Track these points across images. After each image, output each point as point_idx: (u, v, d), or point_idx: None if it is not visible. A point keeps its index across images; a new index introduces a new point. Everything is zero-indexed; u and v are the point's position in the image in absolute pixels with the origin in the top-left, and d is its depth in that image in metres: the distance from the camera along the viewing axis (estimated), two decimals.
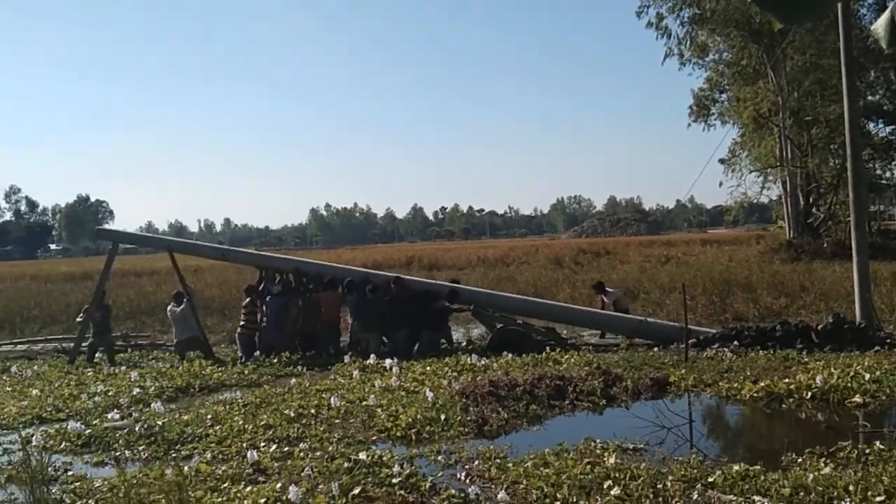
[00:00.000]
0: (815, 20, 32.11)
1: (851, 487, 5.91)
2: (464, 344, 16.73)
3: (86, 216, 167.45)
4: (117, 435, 9.46)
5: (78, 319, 18.08)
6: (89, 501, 6.92)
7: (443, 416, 9.41)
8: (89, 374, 14.82)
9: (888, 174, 46.83)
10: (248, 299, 17.05)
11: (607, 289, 18.53)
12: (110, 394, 12.32)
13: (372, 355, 14.25)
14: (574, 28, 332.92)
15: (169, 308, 17.23)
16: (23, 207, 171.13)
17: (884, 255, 29.41)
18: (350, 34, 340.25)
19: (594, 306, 18.35)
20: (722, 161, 44.60)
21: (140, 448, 8.96)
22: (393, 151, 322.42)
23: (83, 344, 17.32)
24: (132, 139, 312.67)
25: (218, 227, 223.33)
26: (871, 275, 16.37)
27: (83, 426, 9.92)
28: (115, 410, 11.00)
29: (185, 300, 16.95)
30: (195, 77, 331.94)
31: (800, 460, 7.12)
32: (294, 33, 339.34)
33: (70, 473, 8.11)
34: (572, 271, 31.68)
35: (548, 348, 14.36)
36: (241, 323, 16.94)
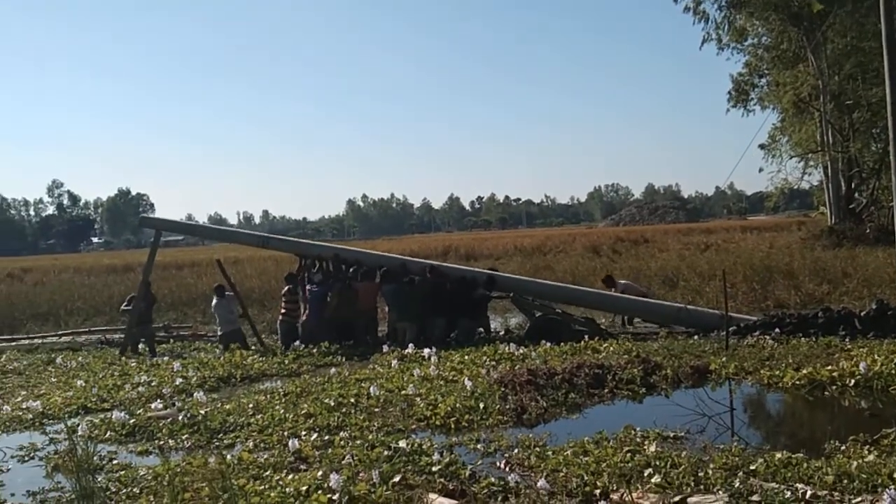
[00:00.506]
0: (844, 3, 31.64)
1: None
2: (502, 333, 16.72)
3: (127, 209, 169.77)
4: (161, 424, 9.60)
5: (123, 308, 18.31)
6: (134, 489, 7.03)
7: (481, 405, 9.43)
8: (132, 364, 15.02)
9: None
10: (287, 287, 17.11)
11: (617, 280, 18.35)
12: (153, 384, 12.49)
13: (410, 344, 14.30)
14: (612, 12, 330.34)
15: (214, 302, 17.32)
16: (65, 201, 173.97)
17: None
18: (392, 26, 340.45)
19: None
20: (762, 147, 44.10)
21: (183, 437, 9.08)
22: (429, 142, 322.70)
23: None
24: (171, 135, 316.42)
25: (257, 220, 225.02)
26: None
27: (127, 416, 10.07)
28: (159, 400, 11.14)
29: (225, 294, 17.09)
30: (235, 76, 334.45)
31: (843, 448, 7.03)
32: (328, 33, 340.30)
33: (115, 462, 8.25)
34: (610, 259, 31.56)
35: (586, 337, 14.31)
36: (282, 311, 17.05)
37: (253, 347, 16.48)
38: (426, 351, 13.43)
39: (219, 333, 17.23)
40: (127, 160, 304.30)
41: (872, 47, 31.93)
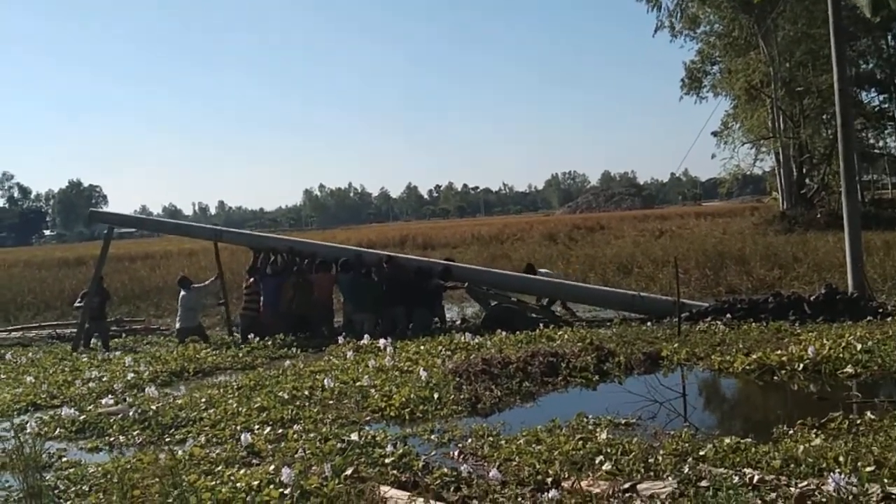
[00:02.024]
0: None
1: (842, 458, 5.92)
2: (458, 322, 16.73)
3: (79, 201, 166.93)
4: (111, 420, 9.45)
5: (76, 304, 18.03)
6: (83, 487, 6.92)
7: (436, 395, 9.43)
8: (84, 359, 14.79)
9: (881, 143, 46.84)
10: (250, 280, 16.93)
11: (538, 269, 18.45)
12: (104, 379, 12.30)
13: (366, 336, 14.26)
14: (565, 2, 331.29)
15: (182, 294, 17.03)
16: (16, 194, 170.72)
17: (877, 225, 29.48)
18: (339, 15, 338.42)
19: None
20: (714, 133, 44.63)
21: (134, 433, 8.95)
22: (386, 131, 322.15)
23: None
24: (124, 123, 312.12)
25: (212, 210, 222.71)
26: (864, 245, 16.39)
27: (77, 412, 9.90)
28: (110, 396, 10.95)
29: (191, 286, 16.92)
30: (187, 61, 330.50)
31: (791, 432, 7.14)
32: (284, 17, 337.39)
33: (64, 460, 8.11)
34: (567, 247, 31.70)
35: (542, 325, 14.37)
36: (243, 305, 16.89)
37: (227, 339, 16.32)
38: (382, 342, 13.39)
39: (177, 327, 16.95)
40: (78, 151, 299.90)
41: (822, 34, 32.40)
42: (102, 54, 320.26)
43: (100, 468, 7.39)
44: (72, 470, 7.54)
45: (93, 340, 17.22)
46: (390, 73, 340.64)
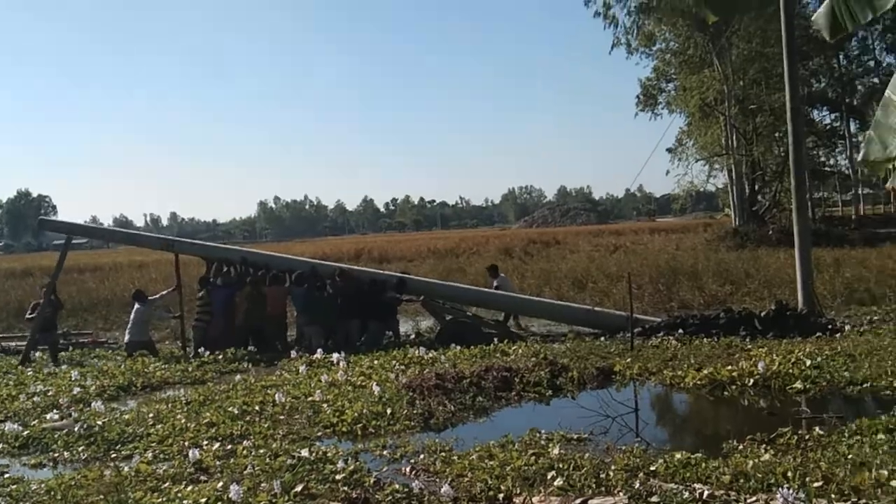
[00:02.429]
0: (743, 13, 32.53)
1: (790, 473, 5.95)
2: (412, 336, 16.66)
3: (28, 211, 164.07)
4: (56, 436, 9.23)
5: (28, 316, 17.61)
6: None
7: (389, 411, 9.35)
8: (29, 373, 14.47)
9: (832, 161, 47.73)
10: (202, 291, 16.70)
11: (499, 273, 18.75)
12: (50, 394, 12.02)
13: (319, 350, 14.13)
14: (522, 16, 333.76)
15: (135, 307, 16.72)
16: None
17: (827, 242, 29.97)
18: (297, 21, 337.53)
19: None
20: (669, 150, 45.18)
21: (79, 449, 8.73)
22: (342, 143, 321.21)
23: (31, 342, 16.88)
24: (74, 132, 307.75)
25: (164, 222, 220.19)
26: (814, 261, 16.66)
27: (21, 427, 9.67)
28: (55, 411, 10.73)
29: (146, 300, 16.65)
30: (138, 66, 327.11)
31: (741, 447, 7.18)
32: (240, 20, 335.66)
33: (7, 476, 7.88)
34: (522, 261, 31.78)
35: (496, 340, 14.36)
36: (196, 317, 16.64)
37: (179, 353, 16.06)
38: (335, 356, 13.28)
39: (126, 340, 16.63)
40: (27, 161, 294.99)
41: (775, 53, 32.97)
42: (49, 56, 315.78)
43: (43, 485, 7.19)
44: (14, 486, 7.34)
45: (38, 353, 16.86)
46: (346, 84, 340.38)
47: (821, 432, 7.39)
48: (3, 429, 9.59)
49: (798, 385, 9.70)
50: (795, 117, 15.77)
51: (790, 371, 10.09)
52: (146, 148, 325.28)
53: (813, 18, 8.17)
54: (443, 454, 7.56)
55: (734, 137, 39.56)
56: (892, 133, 6.85)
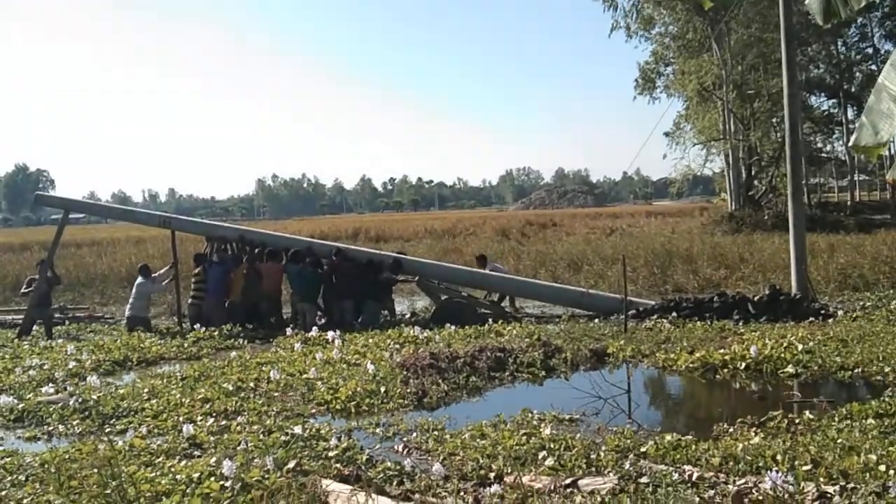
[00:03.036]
0: None
1: (779, 457, 6.00)
2: (407, 316, 16.69)
3: (26, 185, 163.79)
4: (51, 409, 9.28)
5: (24, 291, 17.61)
6: (19, 477, 6.77)
7: (383, 389, 9.41)
8: (25, 347, 14.49)
9: (828, 147, 47.70)
10: (198, 268, 16.70)
11: (490, 262, 18.54)
12: (45, 367, 12.05)
13: (314, 328, 14.17)
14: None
15: (138, 281, 16.82)
16: None
17: (822, 228, 30.06)
18: (296, 3, 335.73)
19: None
20: (667, 134, 45.14)
21: (74, 423, 8.79)
22: (341, 121, 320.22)
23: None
24: (73, 107, 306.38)
25: (162, 198, 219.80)
26: (809, 247, 16.69)
27: (16, 400, 9.72)
28: (50, 384, 10.75)
29: (150, 275, 16.80)
30: (138, 41, 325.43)
31: (731, 430, 7.24)
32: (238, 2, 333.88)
33: (1, 449, 7.93)
34: (518, 243, 31.82)
35: (490, 320, 14.41)
36: (192, 294, 16.68)
37: (175, 329, 16.12)
38: (330, 334, 13.31)
39: (127, 314, 16.73)
40: (25, 135, 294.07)
41: (774, 38, 32.84)
42: (51, 25, 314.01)
43: (37, 458, 7.23)
44: (8, 459, 7.37)
45: (34, 328, 16.89)
46: (345, 60, 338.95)
47: (811, 416, 7.47)
48: None
49: (790, 369, 9.77)
50: (793, 103, 15.78)
51: (782, 355, 10.15)
52: (145, 123, 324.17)
53: (807, 3, 8.16)
54: (435, 433, 7.63)
55: (731, 122, 39.53)
56: (884, 118, 6.85)
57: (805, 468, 5.72)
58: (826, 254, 21.02)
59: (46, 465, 6.91)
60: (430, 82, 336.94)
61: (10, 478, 6.80)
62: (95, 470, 6.31)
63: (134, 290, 16.79)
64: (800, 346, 10.43)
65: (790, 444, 6.41)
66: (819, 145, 46.69)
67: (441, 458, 6.72)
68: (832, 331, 11.82)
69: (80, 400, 9.51)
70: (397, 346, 12.35)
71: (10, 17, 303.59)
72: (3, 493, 6.42)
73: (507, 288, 17.25)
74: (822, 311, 13.78)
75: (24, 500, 6.15)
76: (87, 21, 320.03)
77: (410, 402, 9.13)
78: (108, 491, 5.91)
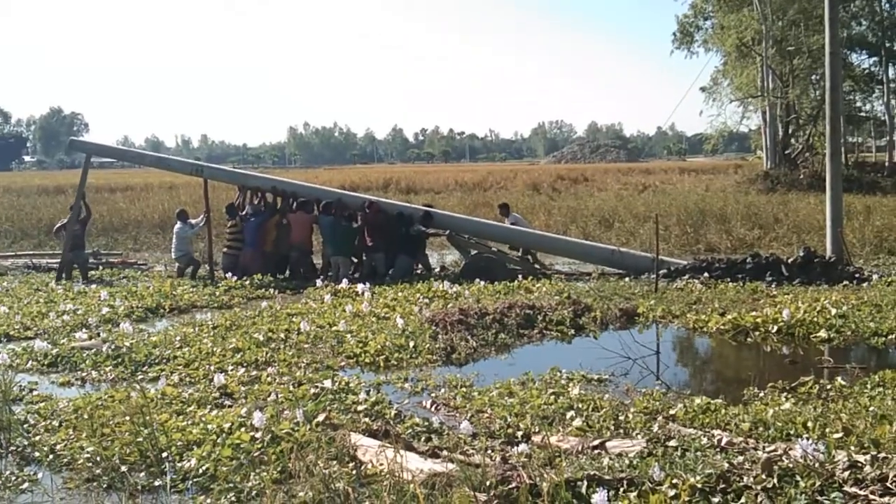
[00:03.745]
0: None
1: (810, 424, 5.94)
2: (437, 270, 16.69)
3: (60, 128, 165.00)
4: (84, 355, 9.40)
5: (56, 228, 17.77)
6: (53, 422, 6.88)
7: (412, 344, 9.44)
8: (59, 291, 14.67)
9: (867, 106, 46.78)
10: (233, 220, 16.76)
11: (512, 213, 18.48)
12: (79, 312, 12.20)
13: (344, 280, 14.21)
14: None
15: (177, 227, 17.14)
16: None
17: (859, 188, 29.59)
18: None
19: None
20: (703, 89, 44.45)
21: (107, 369, 8.91)
22: (374, 70, 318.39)
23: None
24: (107, 51, 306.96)
25: (195, 143, 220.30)
26: (845, 208, 16.44)
27: (50, 345, 9.85)
28: (84, 330, 10.92)
29: (187, 220, 17.08)
30: None
31: (761, 394, 7.19)
32: None
33: (35, 393, 8.06)
34: (549, 198, 31.60)
35: (521, 276, 14.37)
36: (226, 243, 16.78)
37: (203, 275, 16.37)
38: (360, 287, 13.35)
39: (175, 257, 17.14)
40: (61, 78, 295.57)
41: None
42: None
43: (71, 403, 7.35)
44: (42, 404, 7.50)
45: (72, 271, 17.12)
46: (382, 8, 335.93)
47: (843, 383, 7.38)
48: (33, 346, 9.77)
49: (822, 334, 9.67)
50: (834, 62, 15.45)
51: (815, 319, 10.05)
52: (179, 69, 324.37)
53: None
54: (463, 389, 7.66)
55: (770, 79, 38.82)
56: None
57: (836, 436, 5.66)
58: (862, 216, 20.70)
59: (79, 412, 7.02)
60: (463, 33, 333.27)
61: (43, 423, 6.92)
62: (128, 417, 6.40)
63: (174, 236, 17.08)
64: (833, 311, 10.30)
65: (821, 411, 6.34)
66: (858, 104, 45.78)
67: (469, 415, 6.75)
68: (866, 295, 11.67)
69: (112, 346, 9.63)
70: (426, 300, 12.37)
71: None
72: (38, 438, 6.54)
73: (538, 244, 17.17)
74: (857, 275, 13.59)
75: (58, 446, 6.27)
76: None
77: (439, 357, 9.17)
78: (140, 439, 6.01)
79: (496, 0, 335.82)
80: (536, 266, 16.54)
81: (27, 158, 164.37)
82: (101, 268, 18.14)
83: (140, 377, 8.55)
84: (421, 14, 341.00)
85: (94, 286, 15.36)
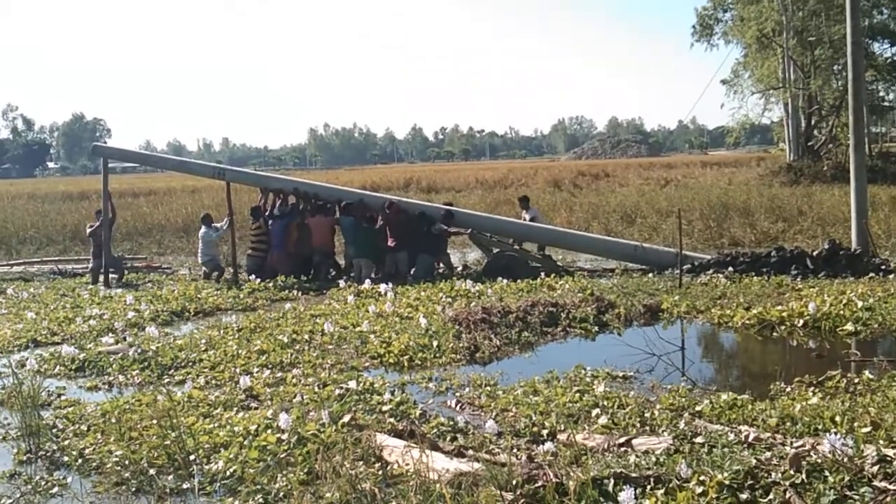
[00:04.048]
0: None
1: (838, 418, 5.90)
2: (459, 269, 16.68)
3: (83, 134, 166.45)
4: (111, 359, 9.49)
5: (93, 228, 17.96)
6: (81, 427, 6.96)
7: (435, 343, 9.44)
8: (85, 296, 14.81)
9: (891, 96, 46.28)
10: (258, 221, 16.82)
11: (530, 206, 18.58)
12: (105, 317, 12.32)
13: (367, 280, 14.24)
14: None
15: (202, 231, 17.32)
16: (20, 125, 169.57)
17: (883, 179, 29.32)
18: None
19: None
20: (724, 82, 44.12)
21: (133, 373, 8.99)
22: (392, 70, 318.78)
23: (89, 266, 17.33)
24: (129, 54, 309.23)
25: (216, 147, 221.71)
26: (870, 199, 16.29)
27: (77, 350, 9.94)
28: (110, 334, 11.01)
29: (211, 224, 17.26)
30: None
31: (788, 389, 7.14)
32: None
33: (63, 398, 8.16)
34: (571, 194, 31.51)
35: (543, 274, 14.34)
36: (250, 247, 16.88)
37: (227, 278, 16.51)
38: (383, 287, 13.37)
39: (202, 261, 17.24)
40: (83, 84, 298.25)
41: None
42: None
43: (98, 408, 7.42)
44: (70, 409, 7.59)
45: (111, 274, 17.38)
46: (398, 9, 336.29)
47: (870, 376, 7.31)
48: (60, 351, 9.88)
49: (849, 327, 9.58)
50: (856, 51, 15.28)
51: (841, 312, 9.94)
52: (199, 72, 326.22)
53: None
54: (488, 388, 7.66)
55: (791, 70, 38.50)
56: None
57: (864, 430, 5.61)
58: (887, 206, 20.52)
59: (107, 416, 7.09)
60: (480, 29, 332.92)
61: (72, 427, 7.00)
62: (155, 421, 6.46)
63: (200, 241, 17.29)
64: (859, 303, 10.19)
65: (849, 405, 6.28)
66: (881, 94, 45.31)
67: (494, 414, 6.75)
68: (893, 287, 11.53)
69: (139, 350, 9.72)
70: (449, 299, 12.37)
71: None
72: (67, 442, 6.61)
73: (559, 241, 17.13)
74: (883, 267, 13.44)
75: (86, 450, 6.33)
76: None
77: (463, 356, 9.16)
78: (168, 442, 6.05)
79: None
80: (544, 258, 16.38)
81: (51, 165, 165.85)
82: (126, 272, 18.27)
83: (166, 380, 8.63)
84: (438, 14, 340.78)
85: (119, 291, 15.48)
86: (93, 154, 25.74)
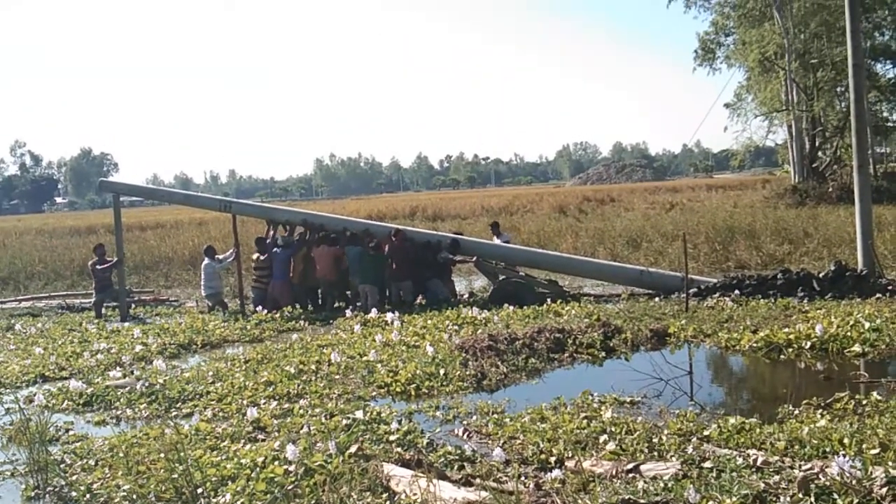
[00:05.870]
0: None
1: (846, 440, 5.88)
2: (465, 296, 16.68)
3: (90, 169, 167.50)
4: (119, 393, 9.51)
5: (109, 264, 18.06)
6: (89, 462, 6.96)
7: (442, 371, 9.44)
8: (92, 331, 14.84)
9: (894, 116, 46.31)
10: (264, 255, 16.86)
11: (501, 231, 18.81)
12: (113, 351, 12.36)
13: (373, 309, 14.25)
14: None
15: (205, 263, 17.33)
16: (27, 161, 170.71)
17: (889, 199, 29.28)
18: None
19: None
20: (727, 105, 44.26)
21: (141, 406, 9.00)
22: (397, 100, 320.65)
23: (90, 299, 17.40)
24: (137, 89, 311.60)
25: (223, 179, 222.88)
26: (875, 219, 16.29)
27: (85, 384, 9.97)
28: (118, 368, 11.04)
29: (215, 256, 17.30)
30: (197, 24, 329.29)
31: (796, 412, 7.11)
32: None
33: (71, 433, 8.17)
34: (576, 220, 31.56)
35: (549, 300, 14.33)
36: (254, 278, 16.91)
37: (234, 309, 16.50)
38: (389, 316, 13.38)
39: (205, 294, 17.26)
40: (89, 119, 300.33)
41: (837, 5, 31.89)
42: (112, 15, 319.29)
43: (106, 442, 7.43)
44: (78, 444, 7.59)
45: (132, 307, 17.47)
46: (400, 37, 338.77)
47: (879, 397, 7.28)
48: (68, 386, 9.90)
49: (856, 348, 9.56)
50: (857, 73, 15.35)
51: (848, 334, 9.92)
52: (206, 107, 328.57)
53: None
54: (495, 416, 7.65)
55: (794, 92, 38.59)
56: None
57: (873, 452, 5.59)
58: (893, 227, 20.48)
59: (115, 450, 7.09)
60: (483, 57, 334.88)
61: (80, 462, 7.01)
62: (162, 455, 6.45)
63: (202, 272, 17.25)
64: (867, 325, 10.16)
65: (857, 427, 6.26)
66: (885, 114, 45.39)
67: (501, 441, 6.75)
68: None
69: (146, 384, 9.73)
70: (456, 327, 12.37)
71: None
72: (74, 477, 6.61)
73: (565, 267, 17.13)
74: (890, 287, 13.40)
75: (94, 485, 6.33)
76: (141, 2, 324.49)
77: (470, 384, 9.16)
78: (175, 475, 6.04)
79: (514, 28, 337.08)
80: (550, 284, 16.37)
81: (59, 200, 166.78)
82: (133, 306, 18.33)
83: (174, 413, 8.65)
84: (443, 43, 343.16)
85: (126, 324, 15.53)
86: (100, 189, 25.91)
